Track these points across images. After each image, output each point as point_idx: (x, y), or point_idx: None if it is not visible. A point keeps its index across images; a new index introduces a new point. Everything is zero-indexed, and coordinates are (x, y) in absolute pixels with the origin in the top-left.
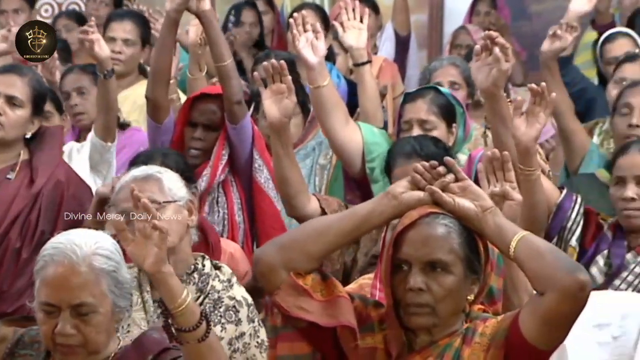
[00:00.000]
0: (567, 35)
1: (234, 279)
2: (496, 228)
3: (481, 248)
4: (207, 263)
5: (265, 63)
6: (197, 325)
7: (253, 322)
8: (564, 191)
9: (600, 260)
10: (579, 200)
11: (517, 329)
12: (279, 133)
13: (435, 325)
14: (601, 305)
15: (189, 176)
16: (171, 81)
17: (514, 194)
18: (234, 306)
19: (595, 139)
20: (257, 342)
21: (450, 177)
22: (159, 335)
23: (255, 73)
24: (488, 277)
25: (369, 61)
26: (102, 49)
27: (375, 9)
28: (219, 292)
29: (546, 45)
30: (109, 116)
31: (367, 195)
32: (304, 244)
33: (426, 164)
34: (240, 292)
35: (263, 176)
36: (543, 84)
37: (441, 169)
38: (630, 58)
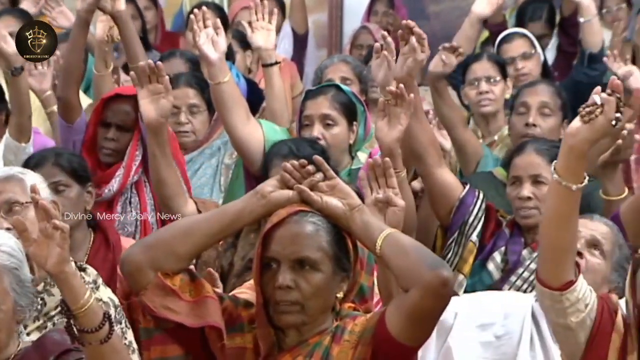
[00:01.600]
0: (453, 60)
1: (100, 280)
2: (363, 226)
3: (350, 246)
4: (71, 265)
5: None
6: (99, 327)
7: (120, 323)
8: (467, 186)
9: (497, 256)
10: (481, 196)
11: (383, 325)
12: (156, 133)
13: (305, 324)
14: (484, 305)
15: (84, 175)
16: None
17: (397, 200)
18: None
19: None
20: (125, 344)
21: (319, 175)
22: (60, 337)
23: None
24: (358, 275)
25: (278, 62)
26: (8, 44)
27: (282, 9)
28: None
29: (432, 67)
30: (22, 116)
31: None
32: (170, 243)
33: (296, 162)
34: (107, 293)
35: None
36: (401, 85)
37: (310, 167)
38: (474, 58)
